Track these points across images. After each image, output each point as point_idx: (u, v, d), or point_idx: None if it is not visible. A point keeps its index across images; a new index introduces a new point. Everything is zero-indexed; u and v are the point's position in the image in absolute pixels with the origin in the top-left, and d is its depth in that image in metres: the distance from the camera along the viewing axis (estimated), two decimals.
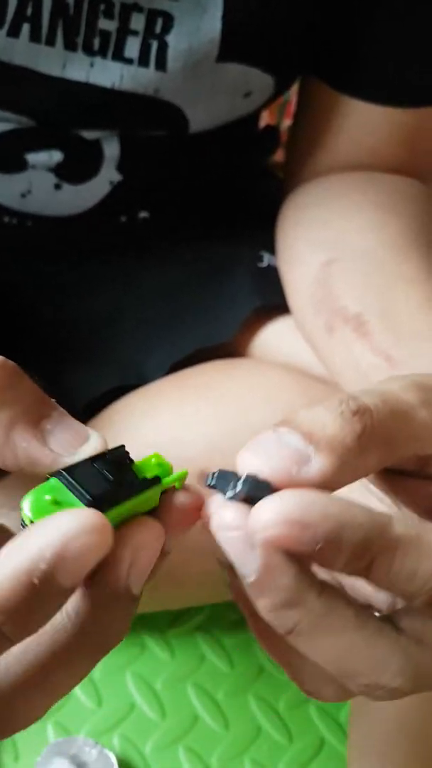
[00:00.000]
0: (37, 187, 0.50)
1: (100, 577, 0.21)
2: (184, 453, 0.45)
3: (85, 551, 0.19)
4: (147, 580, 0.22)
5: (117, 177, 0.51)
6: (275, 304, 0.51)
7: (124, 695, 0.66)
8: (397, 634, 0.22)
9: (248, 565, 0.20)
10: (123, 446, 0.23)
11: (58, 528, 0.19)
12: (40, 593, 0.19)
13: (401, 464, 0.23)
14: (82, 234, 0.54)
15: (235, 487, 0.21)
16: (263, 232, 0.54)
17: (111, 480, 0.22)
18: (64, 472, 0.22)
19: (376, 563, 0.20)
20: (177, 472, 0.23)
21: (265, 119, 0.67)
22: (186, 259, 0.56)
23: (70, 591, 0.20)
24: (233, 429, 0.46)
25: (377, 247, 0.45)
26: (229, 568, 0.22)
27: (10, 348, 0.54)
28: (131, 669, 0.67)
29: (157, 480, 0.23)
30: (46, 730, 0.63)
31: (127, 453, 0.23)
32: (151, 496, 0.22)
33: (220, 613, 0.71)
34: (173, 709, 0.65)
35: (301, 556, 0.20)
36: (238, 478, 0.21)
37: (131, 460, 0.23)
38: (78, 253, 0.55)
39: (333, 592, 0.21)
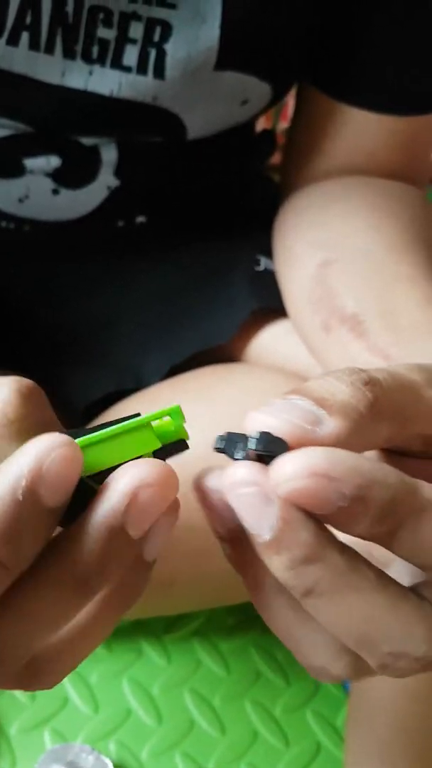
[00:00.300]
0: (35, 192, 0.50)
1: (95, 513, 0.20)
2: (181, 457, 0.45)
3: (57, 464, 0.20)
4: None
5: (115, 182, 0.51)
6: (272, 308, 0.51)
7: (121, 701, 0.66)
8: (419, 599, 0.21)
9: (264, 523, 0.19)
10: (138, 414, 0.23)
11: (35, 446, 0.20)
12: (26, 511, 0.20)
13: (407, 444, 0.23)
14: (79, 238, 0.54)
15: (245, 448, 0.20)
16: (260, 236, 0.55)
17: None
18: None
19: (403, 527, 0.19)
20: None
21: (262, 123, 0.67)
22: (183, 263, 0.56)
23: (55, 512, 0.20)
24: None
25: (375, 248, 0.45)
26: (229, 540, 0.22)
27: (8, 352, 0.55)
28: (128, 674, 0.67)
29: (137, 415, 0.22)
30: (42, 736, 0.63)
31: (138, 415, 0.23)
32: (134, 431, 0.22)
33: (216, 618, 0.71)
34: (170, 714, 0.65)
35: (320, 518, 0.19)
36: (249, 438, 0.20)
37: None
38: (75, 257, 0.55)
39: (354, 552, 0.20)
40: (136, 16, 0.43)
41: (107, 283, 0.56)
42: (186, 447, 0.23)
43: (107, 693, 0.66)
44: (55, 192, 0.50)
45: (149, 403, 0.49)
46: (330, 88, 0.50)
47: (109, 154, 0.49)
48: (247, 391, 0.48)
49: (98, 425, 0.22)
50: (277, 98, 0.51)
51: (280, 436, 0.20)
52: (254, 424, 0.20)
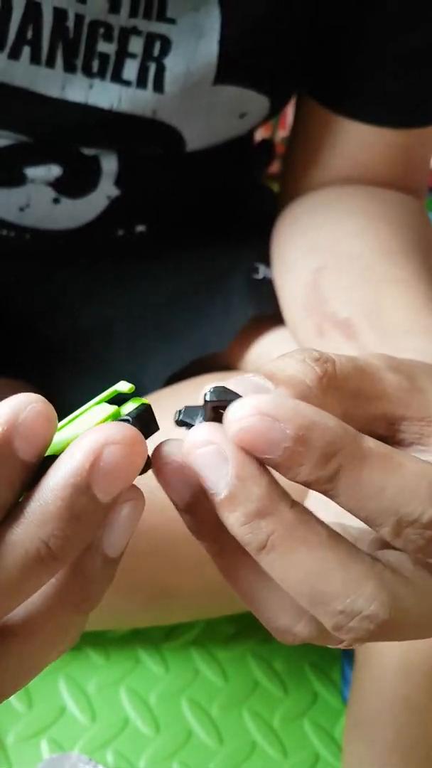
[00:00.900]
0: (36, 201, 0.50)
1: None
2: None
3: (32, 417, 0.20)
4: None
5: (115, 192, 0.51)
6: (270, 315, 0.52)
7: (118, 710, 0.65)
8: (371, 559, 0.21)
9: (221, 480, 0.20)
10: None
11: (12, 399, 0.21)
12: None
13: (371, 427, 0.23)
14: (79, 247, 0.54)
15: (203, 414, 0.22)
16: (259, 245, 0.55)
17: None
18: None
19: (343, 472, 0.20)
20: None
21: (261, 132, 0.68)
22: (183, 271, 0.56)
23: (28, 467, 0.21)
24: None
25: (367, 251, 0.46)
26: (188, 510, 0.23)
27: (7, 359, 0.55)
28: (125, 683, 0.67)
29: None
30: (40, 746, 0.63)
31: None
32: (93, 409, 0.22)
33: (214, 627, 0.71)
34: (167, 724, 0.65)
35: (267, 464, 0.21)
36: (205, 393, 0.22)
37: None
38: (75, 265, 0.56)
39: (304, 508, 0.21)
40: (136, 31, 0.43)
41: (107, 291, 0.57)
42: (155, 425, 0.23)
43: (105, 702, 0.66)
44: (56, 201, 0.51)
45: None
46: (327, 101, 0.51)
47: (110, 164, 0.50)
48: None
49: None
50: (275, 111, 0.52)
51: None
52: (206, 398, 0.22)
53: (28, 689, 0.65)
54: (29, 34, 0.42)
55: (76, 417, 0.23)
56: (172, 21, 0.43)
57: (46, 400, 0.21)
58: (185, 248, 0.57)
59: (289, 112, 0.57)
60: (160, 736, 0.64)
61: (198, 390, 0.52)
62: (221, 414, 0.21)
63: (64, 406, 0.56)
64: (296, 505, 0.21)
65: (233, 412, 0.20)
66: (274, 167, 0.66)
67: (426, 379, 0.24)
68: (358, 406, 0.23)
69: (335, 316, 0.42)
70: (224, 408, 0.21)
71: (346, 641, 0.22)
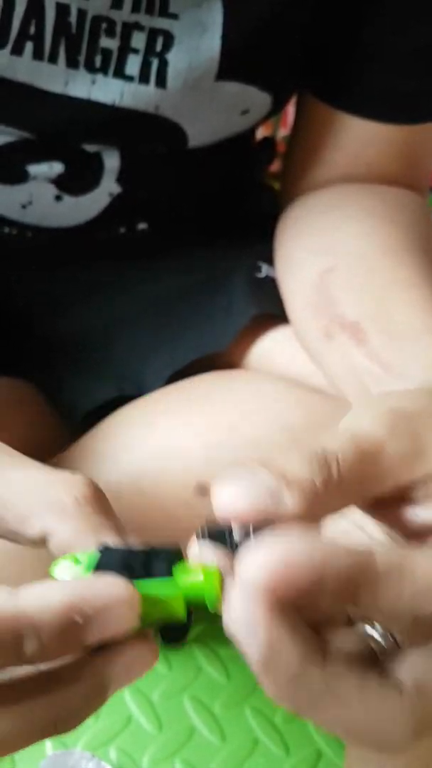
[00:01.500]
0: (38, 199, 0.50)
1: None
2: (180, 463, 0.45)
3: (114, 619, 0.23)
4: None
5: (117, 189, 0.51)
6: (272, 314, 0.52)
7: (121, 708, 0.65)
8: (399, 694, 0.22)
9: (252, 644, 0.21)
10: (179, 550, 0.25)
11: (107, 586, 0.23)
12: (62, 632, 0.22)
13: (382, 497, 0.25)
14: (81, 245, 0.54)
15: (232, 541, 0.23)
16: (261, 244, 0.55)
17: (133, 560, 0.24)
18: (107, 549, 0.25)
19: (361, 597, 0.21)
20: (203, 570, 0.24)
21: (262, 130, 0.68)
22: (184, 269, 0.56)
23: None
24: (229, 439, 0.46)
25: (373, 253, 0.46)
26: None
27: (9, 358, 0.55)
28: None
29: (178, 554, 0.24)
30: (44, 743, 0.63)
31: (179, 553, 0.25)
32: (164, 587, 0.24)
33: (216, 625, 0.70)
34: (170, 721, 0.65)
35: (290, 605, 0.21)
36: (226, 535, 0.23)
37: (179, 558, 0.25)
38: (77, 263, 0.56)
39: (337, 660, 0.22)
40: (138, 26, 0.43)
41: (108, 290, 0.57)
42: (184, 639, 0.25)
43: (108, 700, 0.66)
44: (58, 198, 0.51)
45: (149, 410, 0.49)
46: (328, 97, 0.51)
47: (112, 161, 0.50)
48: (246, 398, 0.48)
49: (142, 550, 0.25)
50: (277, 108, 0.51)
51: (244, 508, 0.23)
52: (221, 496, 0.23)
53: None
54: (32, 30, 0.42)
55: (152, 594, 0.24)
56: (174, 16, 0.43)
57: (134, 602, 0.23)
58: (187, 247, 0.57)
59: (291, 110, 0.57)
60: (163, 733, 0.64)
61: (200, 393, 0.51)
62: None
63: (66, 404, 0.55)
64: (329, 662, 0.22)
65: (246, 575, 0.21)
66: (276, 166, 0.66)
67: (429, 431, 0.25)
68: (365, 490, 0.24)
69: (344, 319, 0.42)
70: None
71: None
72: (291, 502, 0.22)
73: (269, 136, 0.64)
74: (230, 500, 0.22)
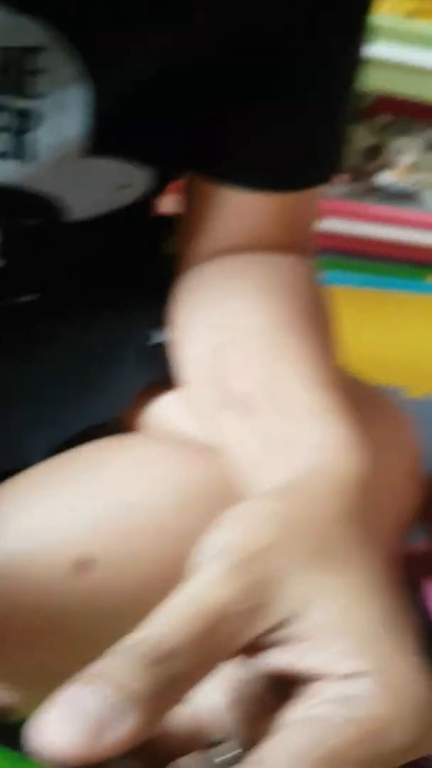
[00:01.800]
0: None
1: None
2: (60, 540, 0.44)
3: None
4: None
5: (1, 262, 0.51)
6: (165, 380, 0.51)
7: None
8: None
9: None
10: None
11: None
12: None
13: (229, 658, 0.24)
14: None
15: None
16: (153, 308, 0.55)
17: None
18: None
19: None
20: None
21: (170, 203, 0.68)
22: (73, 338, 0.56)
23: None
24: (113, 509, 0.45)
25: (264, 327, 0.46)
26: None
27: None
28: None
29: None
30: None
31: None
32: None
33: None
34: None
35: None
36: None
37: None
38: None
39: None
40: (5, 108, 0.44)
41: None
42: None
43: None
44: None
45: (30, 485, 0.48)
46: (202, 170, 0.52)
47: None
48: (137, 463, 0.48)
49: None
50: (165, 181, 0.52)
51: (69, 749, 0.20)
52: (43, 734, 0.20)
53: None
54: None
55: None
56: (40, 95, 0.44)
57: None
58: (75, 318, 0.57)
59: None
60: None
61: (88, 461, 0.50)
62: None
63: None
64: None
65: None
66: None
67: (275, 574, 0.25)
68: (211, 667, 0.23)
69: (233, 394, 0.43)
70: None
71: None
72: (133, 720, 0.21)
73: (165, 213, 0.64)
74: (53, 739, 0.20)
